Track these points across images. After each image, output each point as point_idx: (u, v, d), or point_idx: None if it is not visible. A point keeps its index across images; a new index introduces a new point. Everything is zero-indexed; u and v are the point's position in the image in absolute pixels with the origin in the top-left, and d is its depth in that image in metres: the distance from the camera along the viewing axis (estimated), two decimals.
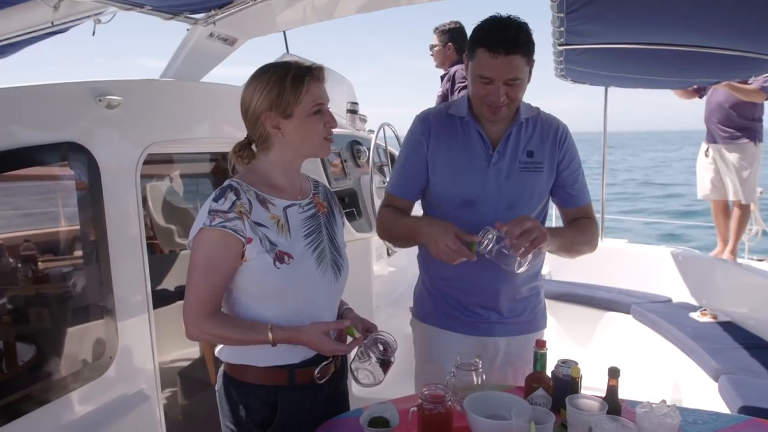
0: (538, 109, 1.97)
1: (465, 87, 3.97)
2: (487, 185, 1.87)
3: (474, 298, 1.94)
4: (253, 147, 1.58)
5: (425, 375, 2.04)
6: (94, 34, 2.93)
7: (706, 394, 2.91)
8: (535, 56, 1.77)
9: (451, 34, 4.04)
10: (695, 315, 3.71)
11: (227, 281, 1.47)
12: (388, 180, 2.05)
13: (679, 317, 3.70)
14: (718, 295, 3.91)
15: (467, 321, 1.96)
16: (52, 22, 2.84)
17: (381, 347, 1.55)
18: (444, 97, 4.00)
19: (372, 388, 1.58)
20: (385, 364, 1.55)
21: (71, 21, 2.88)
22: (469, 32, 1.84)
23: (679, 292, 4.13)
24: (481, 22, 1.78)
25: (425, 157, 1.92)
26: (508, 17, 1.74)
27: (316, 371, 1.54)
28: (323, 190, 1.72)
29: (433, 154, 1.91)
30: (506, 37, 1.70)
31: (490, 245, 1.66)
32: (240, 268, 1.46)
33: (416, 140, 1.94)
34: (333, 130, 1.57)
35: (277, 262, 1.45)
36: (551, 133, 1.93)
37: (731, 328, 3.51)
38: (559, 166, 1.93)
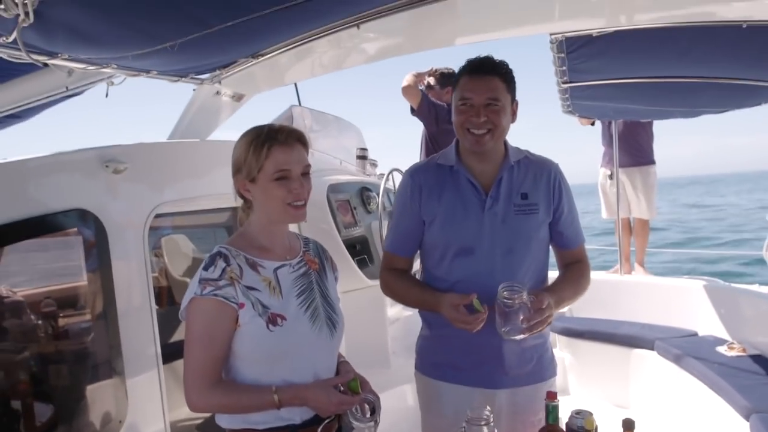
0: (527, 151, 1.99)
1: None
2: (483, 232, 1.86)
3: (477, 349, 1.89)
4: None
5: (432, 429, 1.99)
6: (107, 95, 3.03)
7: None
8: None
9: (447, 79, 4.28)
10: (722, 349, 3.57)
11: (226, 349, 1.47)
12: (385, 236, 2.06)
13: (705, 352, 3.57)
14: (746, 327, 3.77)
15: (472, 373, 1.91)
16: (67, 87, 2.95)
17: (369, 408, 1.52)
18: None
19: None
20: (375, 424, 1.52)
21: (84, 85, 2.98)
22: None
23: (705, 325, 4.00)
24: None
25: (418, 213, 1.93)
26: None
27: (319, 429, 1.51)
28: (314, 246, 1.72)
29: (426, 209, 1.92)
30: (484, 62, 1.84)
31: (518, 301, 1.67)
32: (234, 333, 1.46)
33: (408, 196, 1.95)
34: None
35: (270, 325, 1.45)
36: (544, 175, 1.94)
37: (762, 361, 3.36)
38: (555, 208, 1.93)
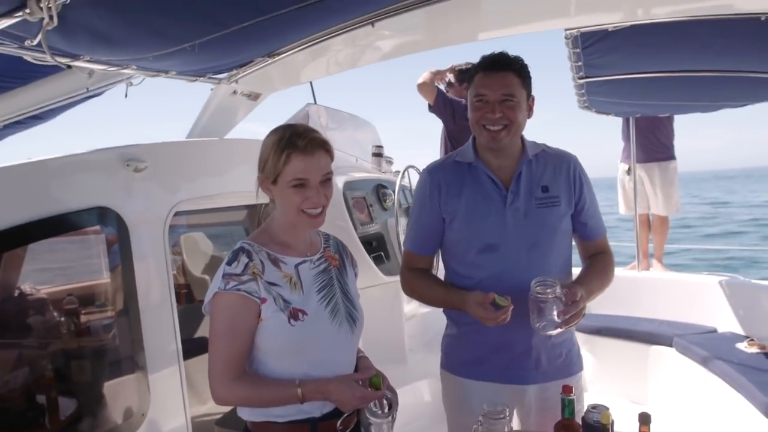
0: (544, 145, 1.99)
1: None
2: (506, 227, 1.86)
3: (507, 346, 1.88)
4: None
5: (461, 427, 1.96)
6: (126, 96, 3.08)
7: None
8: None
9: (465, 75, 4.26)
10: (742, 345, 3.54)
11: (250, 343, 1.50)
12: (405, 234, 2.07)
13: (725, 349, 3.53)
14: (766, 324, 3.72)
15: (502, 369, 1.90)
16: (87, 88, 3.00)
17: (387, 405, 1.52)
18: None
19: None
20: (392, 420, 1.53)
21: (104, 85, 3.04)
22: None
23: (725, 322, 3.96)
24: None
25: (438, 211, 1.93)
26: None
27: (339, 423, 1.53)
28: (334, 242, 1.74)
29: (446, 206, 1.92)
30: (499, 58, 1.84)
31: (551, 295, 1.67)
32: (257, 327, 1.48)
33: (427, 195, 1.96)
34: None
35: (291, 320, 1.48)
36: (564, 167, 1.94)
37: None
38: (578, 200, 1.93)
